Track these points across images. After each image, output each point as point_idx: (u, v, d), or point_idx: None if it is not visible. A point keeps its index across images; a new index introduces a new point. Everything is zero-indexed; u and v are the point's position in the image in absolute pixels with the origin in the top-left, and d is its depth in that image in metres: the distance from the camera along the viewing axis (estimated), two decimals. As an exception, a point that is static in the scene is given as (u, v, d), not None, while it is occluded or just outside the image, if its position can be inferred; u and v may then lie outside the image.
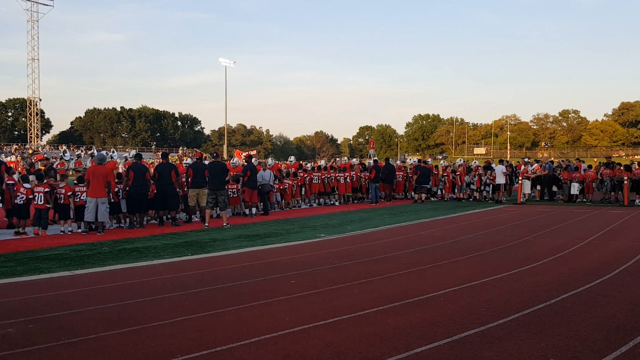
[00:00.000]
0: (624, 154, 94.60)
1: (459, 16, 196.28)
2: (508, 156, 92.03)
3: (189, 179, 15.87)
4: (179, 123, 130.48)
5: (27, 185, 13.19)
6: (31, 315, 6.09)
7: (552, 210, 19.82)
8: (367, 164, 28.41)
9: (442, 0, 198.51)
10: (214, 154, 17.26)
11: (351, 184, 23.51)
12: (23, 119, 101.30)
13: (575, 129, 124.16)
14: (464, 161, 27.02)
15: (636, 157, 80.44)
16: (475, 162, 26.22)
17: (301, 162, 29.42)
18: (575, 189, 23.14)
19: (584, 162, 28.51)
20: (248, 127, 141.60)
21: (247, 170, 17.68)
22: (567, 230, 14.03)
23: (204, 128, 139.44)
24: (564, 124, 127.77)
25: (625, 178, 21.56)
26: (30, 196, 13.03)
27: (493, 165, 24.69)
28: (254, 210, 17.99)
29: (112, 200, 14.33)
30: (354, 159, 32.54)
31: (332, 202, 22.95)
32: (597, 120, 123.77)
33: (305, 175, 21.94)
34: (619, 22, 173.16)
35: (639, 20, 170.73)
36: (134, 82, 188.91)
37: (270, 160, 25.22)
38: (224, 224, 14.89)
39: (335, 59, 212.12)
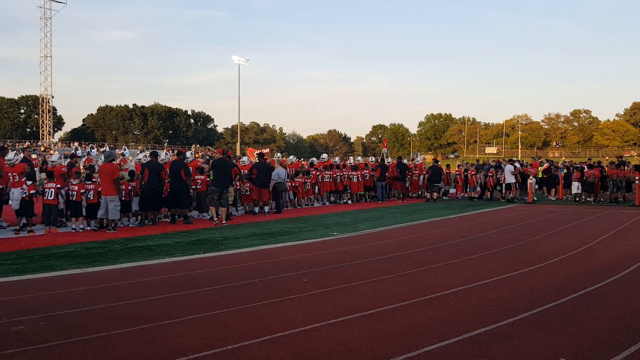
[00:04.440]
0: (635, 153, 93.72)
1: (472, 16, 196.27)
2: (519, 155, 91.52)
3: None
4: (192, 121, 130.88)
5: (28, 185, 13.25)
6: (42, 313, 6.14)
7: (562, 209, 19.71)
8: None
9: (454, 0, 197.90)
10: (224, 152, 17.27)
11: (363, 183, 23.49)
12: (35, 116, 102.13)
13: (587, 128, 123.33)
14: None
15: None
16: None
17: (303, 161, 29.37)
18: (575, 188, 23.08)
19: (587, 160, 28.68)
20: (261, 125, 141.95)
21: (254, 169, 17.70)
22: (578, 229, 13.94)
23: (216, 126, 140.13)
24: (575, 124, 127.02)
25: (636, 178, 21.40)
26: (32, 191, 13.05)
27: (502, 164, 24.60)
28: (266, 208, 18.02)
29: (124, 199, 14.39)
30: (371, 158, 32.37)
31: (344, 201, 22.94)
32: (608, 120, 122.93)
33: (317, 174, 21.92)
34: (631, 22, 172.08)
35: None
36: (147, 79, 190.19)
37: (279, 156, 25.19)
38: (223, 222, 14.88)
39: (348, 58, 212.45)
